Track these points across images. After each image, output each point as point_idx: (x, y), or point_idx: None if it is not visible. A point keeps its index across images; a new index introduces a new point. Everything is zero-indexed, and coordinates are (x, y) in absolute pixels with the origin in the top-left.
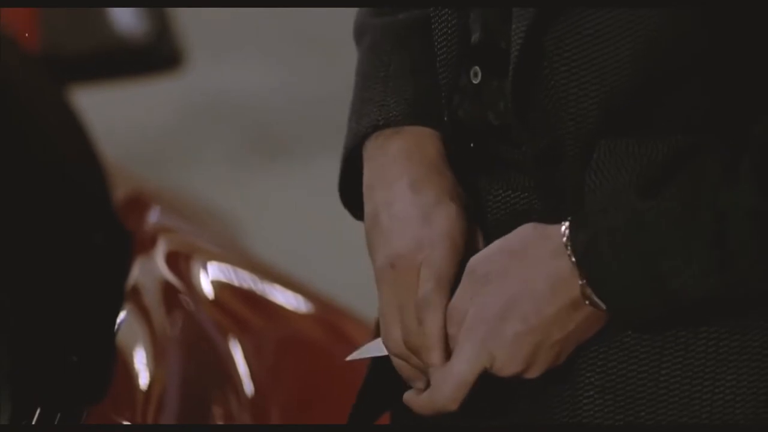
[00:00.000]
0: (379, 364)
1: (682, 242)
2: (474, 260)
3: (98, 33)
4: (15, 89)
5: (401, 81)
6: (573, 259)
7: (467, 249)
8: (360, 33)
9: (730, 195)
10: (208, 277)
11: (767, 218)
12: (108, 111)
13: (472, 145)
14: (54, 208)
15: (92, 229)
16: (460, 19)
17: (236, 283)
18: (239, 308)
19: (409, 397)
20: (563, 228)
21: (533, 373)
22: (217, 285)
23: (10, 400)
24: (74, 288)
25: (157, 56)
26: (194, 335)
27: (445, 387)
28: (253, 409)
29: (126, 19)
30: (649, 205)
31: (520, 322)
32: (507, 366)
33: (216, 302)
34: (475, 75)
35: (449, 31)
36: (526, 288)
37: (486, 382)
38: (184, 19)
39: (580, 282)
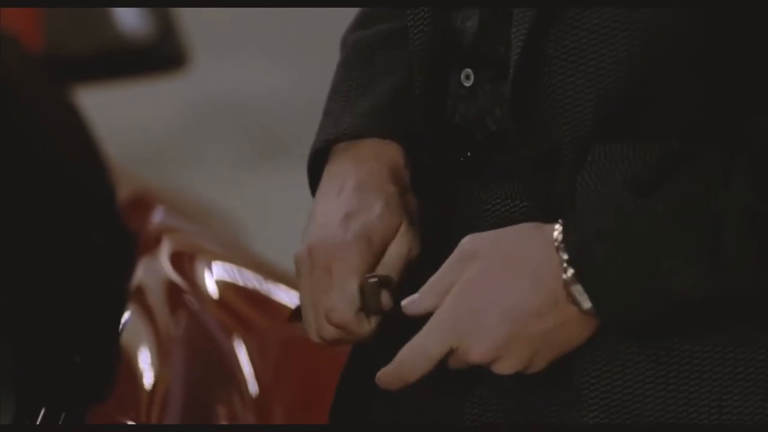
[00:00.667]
0: (356, 359)
1: (679, 243)
2: (465, 239)
3: (101, 33)
4: (15, 89)
5: (360, 95)
6: (564, 256)
7: (394, 256)
8: (340, 50)
9: (728, 195)
10: (213, 277)
11: (765, 218)
12: (111, 111)
13: (468, 154)
14: (54, 208)
15: (95, 229)
16: (439, 22)
17: (240, 282)
18: (243, 308)
19: (378, 373)
20: (557, 225)
21: (502, 368)
22: (222, 285)
23: (13, 401)
24: (77, 288)
25: (160, 56)
26: (198, 335)
27: (408, 357)
28: (257, 409)
29: (129, 20)
30: (645, 205)
31: (498, 309)
32: (475, 350)
33: (220, 302)
34: (467, 78)
35: (430, 33)
36: (510, 275)
37: (474, 383)
38: (187, 19)
39: (564, 277)
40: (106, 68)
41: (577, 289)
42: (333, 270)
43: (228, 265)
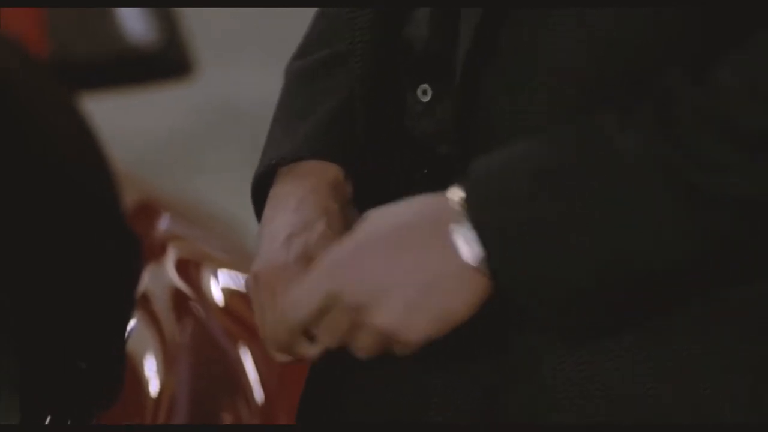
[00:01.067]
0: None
1: (577, 195)
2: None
3: (107, 40)
4: (19, 94)
5: (301, 119)
6: (457, 207)
7: None
8: (284, 80)
9: (626, 138)
10: (218, 285)
11: (666, 163)
12: (117, 118)
13: (426, 170)
14: (59, 213)
15: (100, 235)
16: (383, 40)
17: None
18: (249, 315)
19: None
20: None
21: (377, 316)
22: (227, 292)
23: (18, 407)
24: (83, 294)
25: (166, 63)
26: (204, 342)
27: (288, 303)
28: (263, 416)
29: (135, 26)
30: (539, 144)
31: (379, 256)
32: (348, 292)
33: (226, 309)
34: (424, 93)
35: (371, 52)
36: (398, 228)
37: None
38: (193, 25)
39: (452, 226)
40: (111, 75)
41: (466, 236)
42: (277, 293)
43: (234, 273)
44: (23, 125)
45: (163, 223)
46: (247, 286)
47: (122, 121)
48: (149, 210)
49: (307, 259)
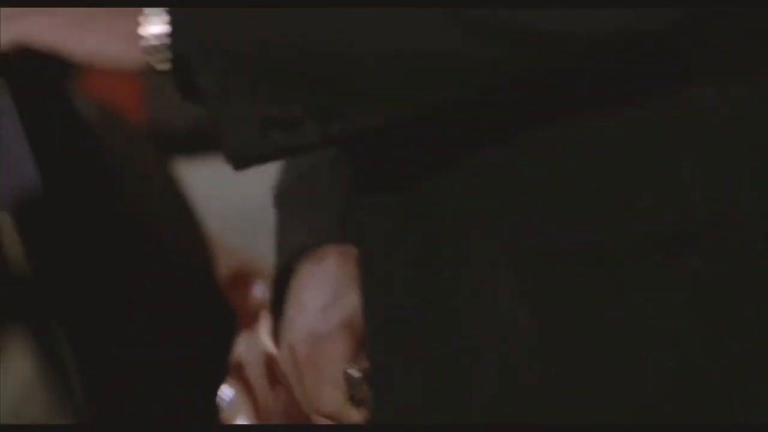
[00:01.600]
0: None
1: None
2: None
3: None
4: (111, 154)
5: (310, 212)
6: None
7: None
8: (274, 200)
9: None
10: None
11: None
12: (211, 185)
13: None
14: (150, 278)
15: (194, 303)
16: None
17: None
18: None
19: None
20: None
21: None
22: None
23: None
24: (177, 363)
25: None
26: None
27: None
28: None
29: None
30: None
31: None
32: None
33: None
34: None
35: None
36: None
37: None
38: None
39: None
40: (205, 142)
41: (155, 13)
42: (317, 364)
43: None
44: (118, 190)
45: (258, 291)
46: (282, 358)
47: (216, 188)
48: (243, 278)
49: (347, 328)
